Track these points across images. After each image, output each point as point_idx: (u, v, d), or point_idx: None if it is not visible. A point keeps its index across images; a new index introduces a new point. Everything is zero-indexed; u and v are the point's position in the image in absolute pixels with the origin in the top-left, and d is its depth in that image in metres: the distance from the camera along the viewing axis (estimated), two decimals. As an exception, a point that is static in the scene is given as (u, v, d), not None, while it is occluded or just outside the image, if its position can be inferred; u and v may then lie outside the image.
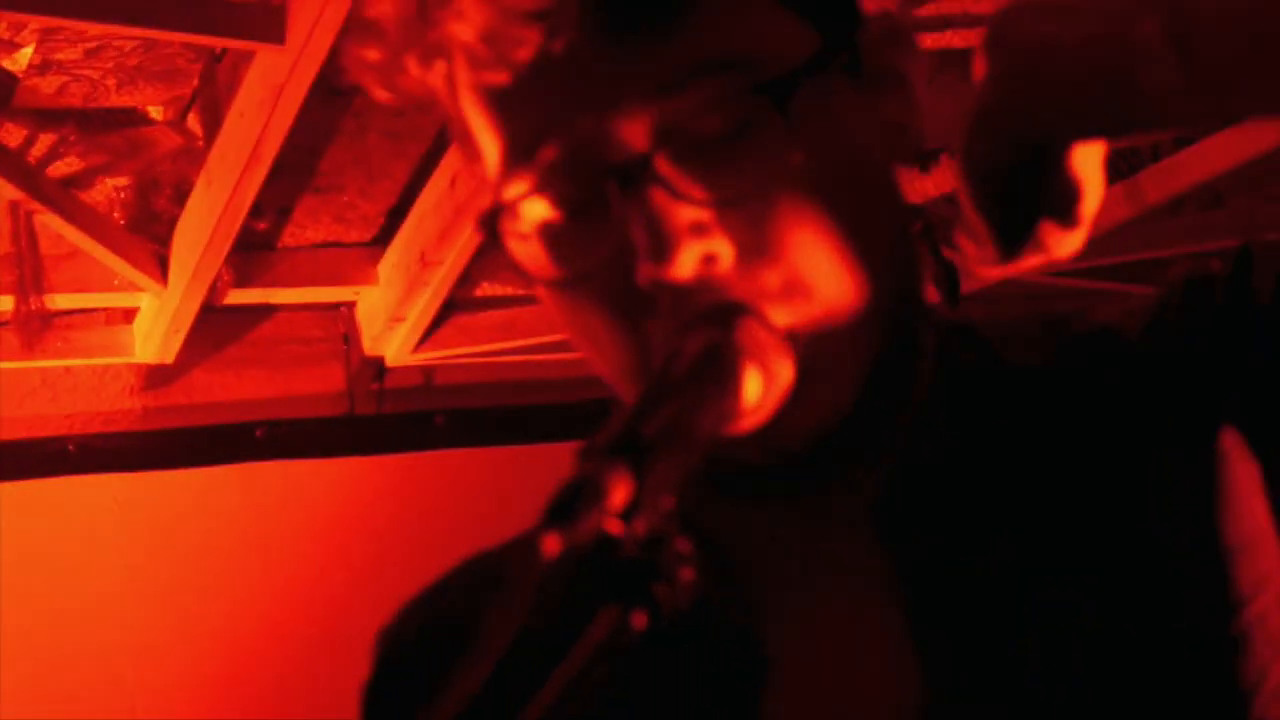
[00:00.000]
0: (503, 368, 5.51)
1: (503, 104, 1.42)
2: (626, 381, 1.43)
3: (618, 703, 1.31)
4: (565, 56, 1.37)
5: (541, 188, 1.40)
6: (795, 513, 1.49)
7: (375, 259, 5.13)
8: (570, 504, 1.17)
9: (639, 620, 1.18)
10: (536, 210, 1.41)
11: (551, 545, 1.16)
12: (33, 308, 4.68)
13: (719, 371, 1.32)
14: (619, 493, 1.18)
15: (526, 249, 1.42)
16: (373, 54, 1.39)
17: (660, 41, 1.37)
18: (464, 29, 1.40)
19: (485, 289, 5.28)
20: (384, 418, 5.43)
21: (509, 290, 5.29)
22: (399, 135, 4.66)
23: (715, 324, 1.34)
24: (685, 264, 1.33)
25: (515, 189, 1.41)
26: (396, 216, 4.97)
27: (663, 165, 1.35)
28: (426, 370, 5.49)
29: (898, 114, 1.51)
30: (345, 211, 4.98)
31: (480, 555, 1.61)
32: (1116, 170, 4.83)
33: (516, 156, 1.41)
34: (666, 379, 1.31)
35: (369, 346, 5.30)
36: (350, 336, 5.28)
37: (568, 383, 4.96)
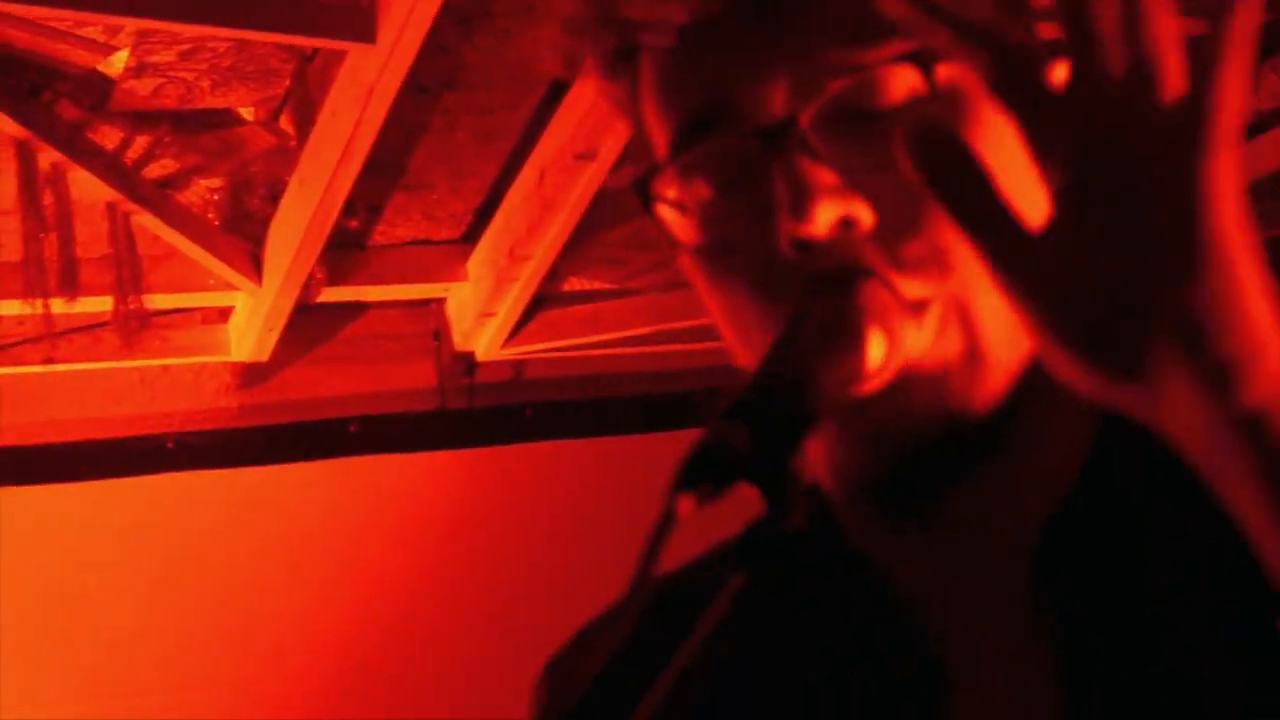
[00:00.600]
0: (590, 361, 5.50)
1: (664, 72, 1.44)
2: (759, 353, 1.38)
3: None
4: (722, 22, 1.38)
5: (697, 153, 1.40)
6: (938, 533, 1.47)
7: (465, 256, 5.13)
8: (699, 467, 1.18)
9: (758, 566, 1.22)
10: (691, 175, 1.42)
11: (685, 507, 1.18)
12: (131, 308, 4.65)
13: (842, 332, 1.31)
14: (745, 452, 1.20)
15: (675, 216, 1.44)
16: (549, 31, 1.48)
17: (809, 9, 1.37)
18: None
19: (572, 284, 5.28)
20: (475, 412, 5.42)
21: (595, 285, 5.31)
22: (487, 133, 4.66)
23: (841, 286, 1.33)
24: (822, 222, 1.33)
25: (673, 156, 1.43)
26: (485, 214, 4.99)
27: (808, 128, 1.35)
28: (516, 365, 5.50)
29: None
30: (434, 209, 4.98)
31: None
32: None
33: (676, 123, 1.43)
34: (791, 340, 1.32)
35: (459, 342, 5.33)
36: (441, 332, 5.28)
37: (653, 375, 5.12)
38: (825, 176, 1.35)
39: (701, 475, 1.21)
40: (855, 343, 1.32)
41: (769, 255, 1.38)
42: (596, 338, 5.43)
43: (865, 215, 1.34)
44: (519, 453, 5.36)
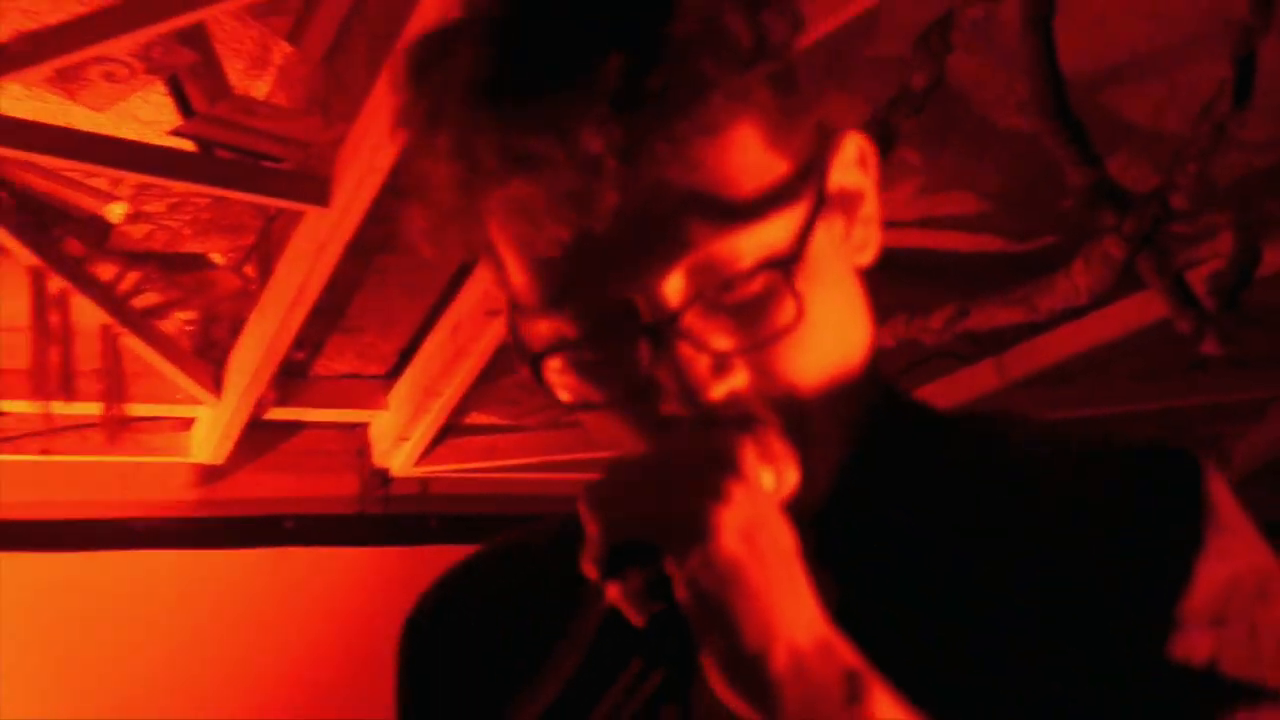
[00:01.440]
0: (486, 482, 5.66)
1: (544, 268, 1.42)
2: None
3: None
4: (603, 234, 1.38)
5: (579, 338, 1.43)
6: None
7: (387, 389, 5.39)
8: (619, 565, 1.28)
9: (656, 674, 1.29)
10: (572, 353, 1.45)
11: (613, 593, 1.28)
12: (114, 414, 4.92)
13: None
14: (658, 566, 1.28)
15: (562, 381, 1.46)
16: (421, 220, 1.40)
17: (685, 214, 1.39)
18: (511, 205, 1.39)
19: (475, 418, 5.49)
20: (388, 517, 5.63)
21: (494, 420, 5.53)
22: (413, 288, 4.88)
23: (736, 430, 1.38)
24: (709, 398, 1.38)
25: (556, 338, 1.44)
26: (407, 355, 5.21)
27: (688, 323, 1.38)
28: (424, 481, 5.67)
29: (850, 205, 1.53)
30: (366, 349, 5.22)
31: (504, 539, 1.66)
32: (987, 348, 4.90)
33: (558, 311, 1.43)
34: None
35: (378, 459, 5.54)
36: (364, 450, 5.52)
37: (540, 498, 5.32)
38: (705, 361, 1.39)
39: (621, 575, 1.29)
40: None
41: (651, 409, 1.41)
42: (493, 463, 5.62)
43: (743, 381, 1.39)
44: (424, 553, 5.40)
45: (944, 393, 4.99)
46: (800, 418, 1.42)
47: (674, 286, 1.37)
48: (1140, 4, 3.82)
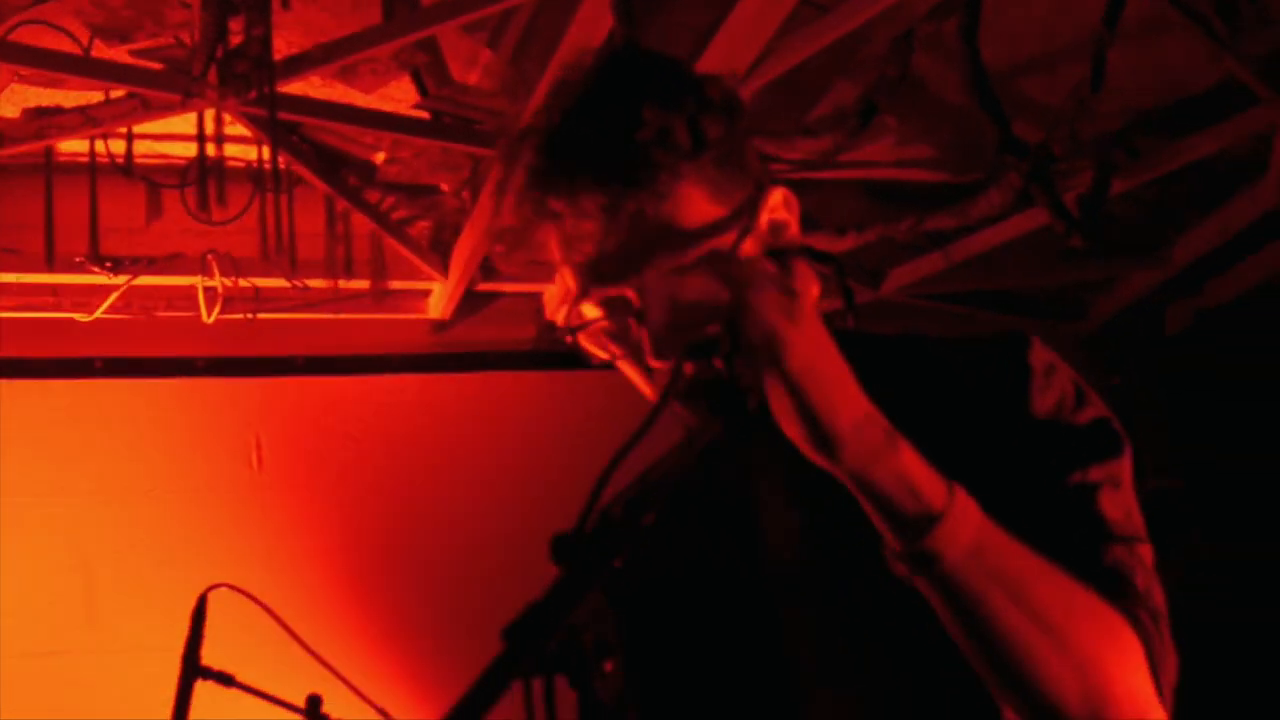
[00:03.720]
0: None
1: (579, 272, 1.57)
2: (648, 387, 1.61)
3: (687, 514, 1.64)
4: (603, 255, 1.53)
5: (602, 314, 1.58)
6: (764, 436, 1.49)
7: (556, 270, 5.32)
8: (695, 349, 1.41)
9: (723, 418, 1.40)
10: (596, 323, 1.60)
11: (688, 369, 1.42)
12: (379, 287, 5.18)
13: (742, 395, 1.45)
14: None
15: (592, 343, 1.62)
16: (499, 245, 1.58)
17: (650, 244, 1.53)
18: (555, 236, 1.56)
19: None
20: (556, 354, 5.11)
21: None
22: None
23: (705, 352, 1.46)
24: (667, 356, 1.52)
25: (587, 314, 1.59)
26: None
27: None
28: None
29: (780, 231, 1.64)
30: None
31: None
32: (936, 242, 5.05)
33: (586, 299, 1.58)
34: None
35: (548, 315, 5.55)
36: (539, 310, 5.31)
37: None
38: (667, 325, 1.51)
39: (696, 353, 1.44)
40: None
41: (644, 364, 1.57)
42: None
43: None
44: (581, 376, 4.30)
45: (908, 272, 5.17)
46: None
47: (650, 281, 1.52)
48: (1032, 26, 3.99)
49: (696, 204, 1.52)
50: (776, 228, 1.58)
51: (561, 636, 1.16)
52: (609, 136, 1.49)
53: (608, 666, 1.17)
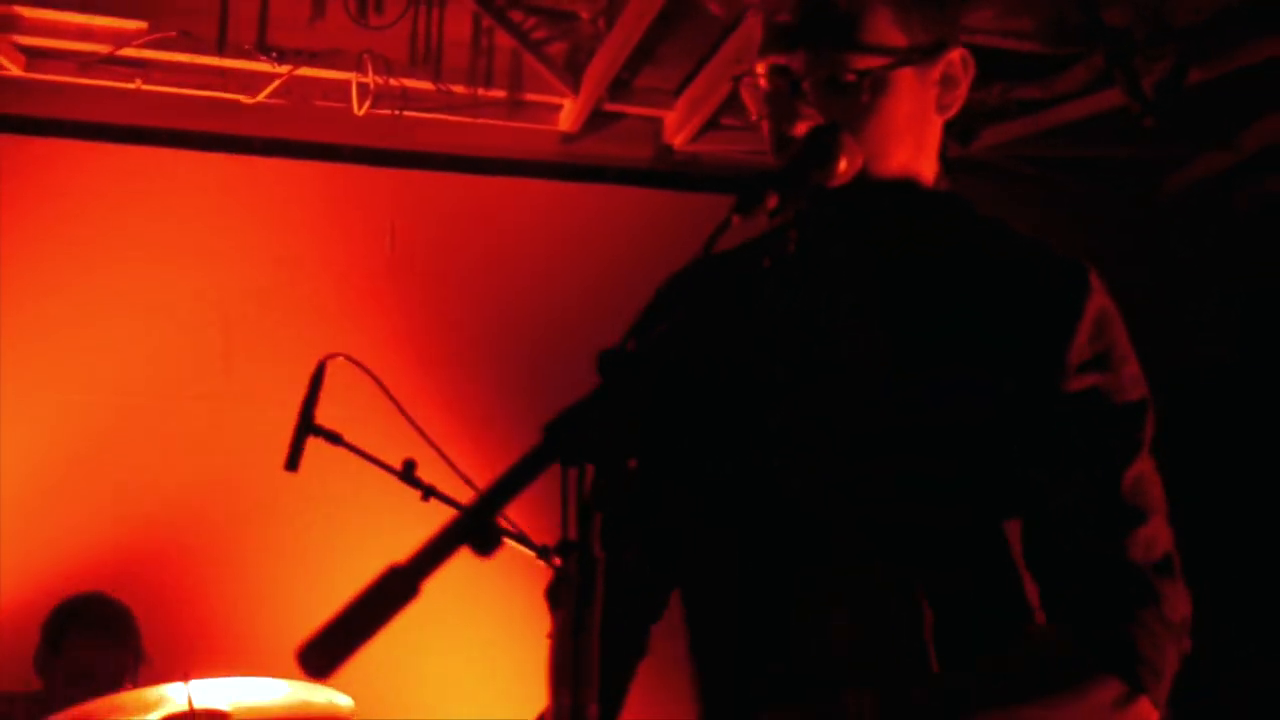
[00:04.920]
0: (732, 161, 5.39)
1: (768, 31, 1.68)
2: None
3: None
4: (796, 25, 1.65)
5: (764, 72, 1.68)
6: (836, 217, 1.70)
7: (675, 100, 5.35)
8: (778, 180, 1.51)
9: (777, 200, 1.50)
10: (760, 80, 1.69)
11: (802, 130, 1.60)
12: (515, 98, 5.23)
13: (832, 153, 1.59)
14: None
15: (750, 95, 1.71)
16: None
17: (834, 35, 1.65)
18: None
19: (726, 119, 5.20)
20: (670, 173, 5.59)
21: (736, 122, 5.19)
22: (693, 45, 4.94)
23: (832, 133, 1.60)
24: (796, 130, 1.64)
25: (756, 67, 1.68)
26: (686, 82, 5.15)
27: (809, 88, 1.65)
28: (693, 155, 5.53)
29: (950, 86, 1.74)
30: (665, 76, 5.27)
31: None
32: (1026, 109, 5.03)
33: (763, 55, 1.69)
34: (801, 153, 1.59)
35: (667, 138, 5.51)
36: (658, 133, 5.54)
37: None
38: (809, 112, 1.64)
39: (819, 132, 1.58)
40: (836, 158, 1.59)
41: (780, 130, 1.67)
42: (737, 148, 5.29)
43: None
44: (693, 199, 5.32)
45: (997, 134, 5.12)
46: (865, 148, 1.64)
47: (803, 68, 1.64)
48: None
49: (881, 23, 1.64)
50: (948, 80, 1.70)
51: (594, 436, 1.24)
52: None
53: (631, 463, 1.24)
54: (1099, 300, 1.65)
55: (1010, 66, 4.59)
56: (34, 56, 4.92)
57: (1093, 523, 1.59)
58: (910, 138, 1.68)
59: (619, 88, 5.20)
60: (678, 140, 5.44)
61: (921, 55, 1.66)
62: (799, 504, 1.65)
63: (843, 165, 1.57)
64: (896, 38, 1.64)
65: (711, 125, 5.32)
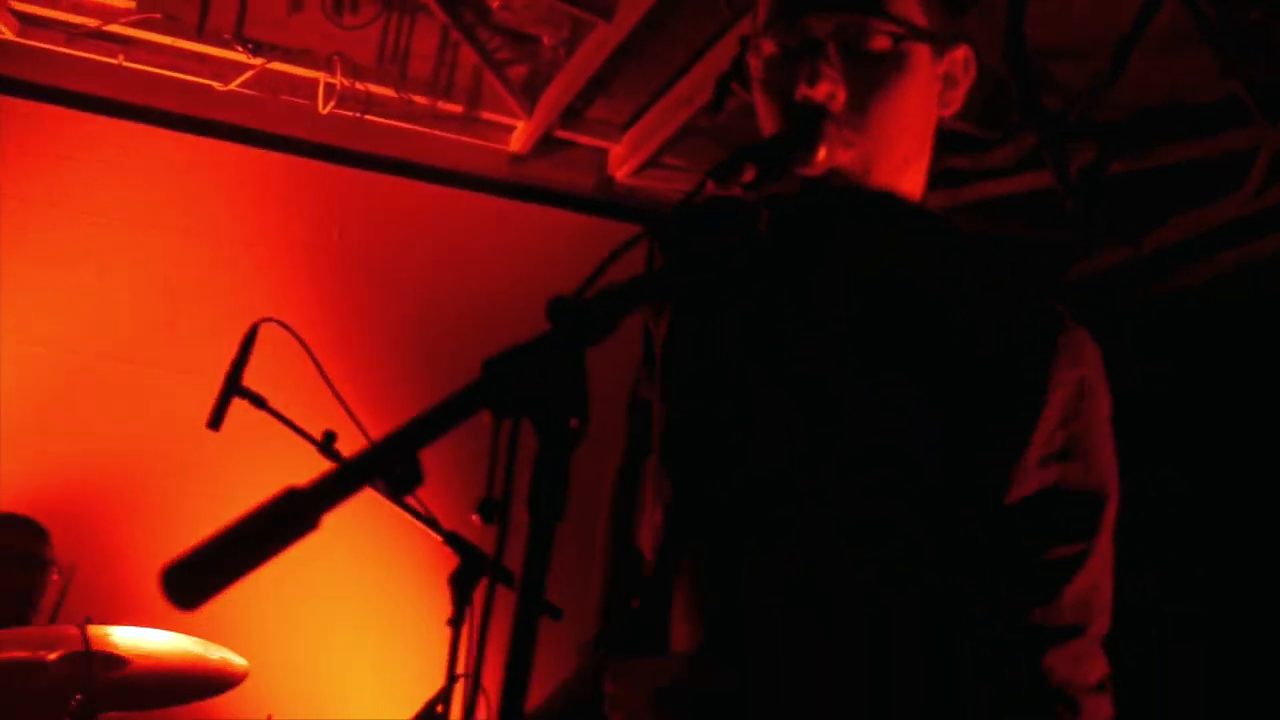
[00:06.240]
0: (668, 193, 5.36)
1: (774, 4, 1.60)
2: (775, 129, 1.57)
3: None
4: None
5: (771, 42, 1.61)
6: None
7: (623, 132, 5.35)
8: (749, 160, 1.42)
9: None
10: (765, 51, 1.62)
11: (749, 176, 1.42)
12: (470, 114, 5.17)
13: (814, 138, 1.51)
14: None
15: (754, 63, 1.62)
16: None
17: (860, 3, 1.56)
18: None
19: (668, 159, 5.22)
20: (609, 201, 5.53)
21: (680, 162, 5.20)
22: (645, 81, 4.92)
23: (816, 117, 1.50)
24: (817, 94, 1.53)
25: (763, 40, 1.60)
26: (635, 117, 5.17)
27: (830, 49, 1.56)
28: (632, 188, 5.50)
29: (951, 85, 1.66)
30: (617, 107, 5.27)
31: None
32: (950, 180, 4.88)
33: (771, 28, 1.61)
34: (784, 133, 1.51)
35: (610, 170, 5.51)
36: (602, 164, 5.55)
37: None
38: (831, 73, 1.54)
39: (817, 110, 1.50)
40: (815, 146, 1.50)
41: (788, 96, 1.55)
42: (670, 186, 5.26)
43: (841, 96, 1.53)
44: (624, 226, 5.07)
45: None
46: (861, 136, 1.54)
47: (833, 28, 1.55)
48: (1070, 18, 4.07)
49: (909, 3, 1.58)
50: (950, 79, 1.63)
51: (533, 383, 1.10)
52: None
53: (573, 423, 1.08)
54: (1080, 371, 1.51)
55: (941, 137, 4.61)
56: (27, 23, 4.96)
57: (1026, 636, 1.47)
58: (915, 131, 1.61)
59: (571, 115, 5.21)
60: (620, 172, 5.44)
61: (940, 40, 1.60)
62: (762, 499, 1.56)
63: (822, 154, 1.49)
64: (920, 17, 1.58)
65: (654, 162, 5.33)
